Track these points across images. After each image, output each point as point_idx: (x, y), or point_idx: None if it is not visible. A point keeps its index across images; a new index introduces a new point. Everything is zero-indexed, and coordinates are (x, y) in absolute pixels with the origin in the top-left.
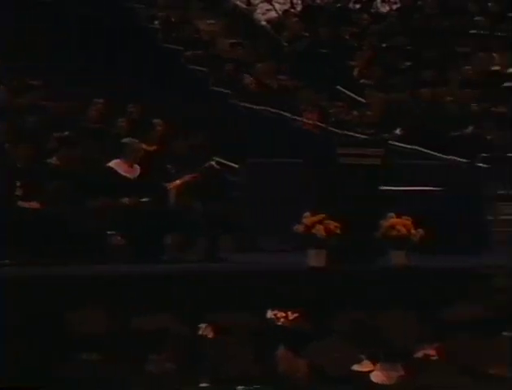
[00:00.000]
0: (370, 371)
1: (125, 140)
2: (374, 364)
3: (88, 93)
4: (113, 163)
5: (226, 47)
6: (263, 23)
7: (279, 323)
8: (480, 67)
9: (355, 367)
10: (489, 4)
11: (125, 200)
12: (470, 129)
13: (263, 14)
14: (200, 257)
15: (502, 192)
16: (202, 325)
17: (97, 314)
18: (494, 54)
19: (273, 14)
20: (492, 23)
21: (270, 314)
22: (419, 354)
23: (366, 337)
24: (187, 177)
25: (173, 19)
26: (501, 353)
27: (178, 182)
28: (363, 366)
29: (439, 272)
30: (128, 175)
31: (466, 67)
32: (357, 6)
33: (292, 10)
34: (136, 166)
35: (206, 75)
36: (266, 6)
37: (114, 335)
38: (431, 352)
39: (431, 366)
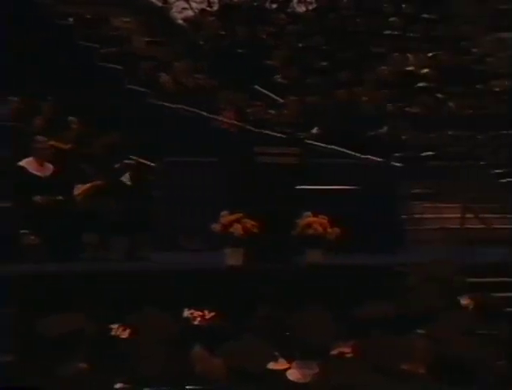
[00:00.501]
0: (285, 369)
1: (35, 138)
2: (289, 362)
3: (2, 91)
4: (24, 162)
5: (142, 45)
6: (180, 21)
7: (196, 323)
8: (395, 68)
9: (271, 365)
10: (403, 5)
11: (37, 198)
12: (385, 129)
13: (180, 12)
14: (118, 256)
15: (416, 191)
16: (116, 325)
17: (8, 314)
18: (408, 55)
19: (190, 12)
20: (406, 23)
21: (186, 313)
22: (335, 352)
23: (282, 335)
24: (95, 183)
25: (88, 16)
26: (413, 350)
27: (86, 186)
28: (279, 365)
29: (354, 270)
30: (38, 173)
31: (382, 68)
32: (274, 5)
33: (209, 9)
34: (48, 165)
35: (122, 74)
36: (182, 4)
37: (24, 335)
38: (347, 350)
39: (346, 363)
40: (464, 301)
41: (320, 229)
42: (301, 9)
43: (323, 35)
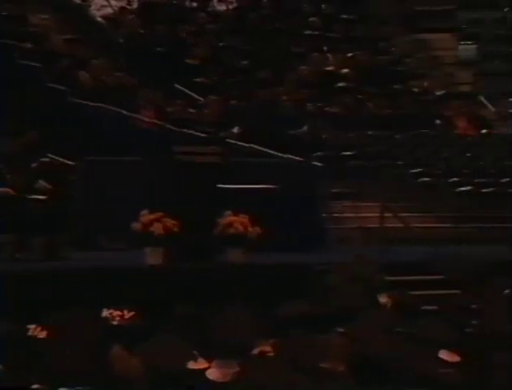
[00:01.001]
0: (205, 369)
1: None
2: (209, 361)
3: None
4: None
5: (60, 43)
6: (99, 19)
7: (115, 322)
8: (315, 68)
9: (190, 365)
10: (323, 5)
11: None
12: (305, 128)
13: (98, 10)
14: (37, 255)
15: (336, 190)
16: (33, 325)
17: None
18: (328, 55)
19: (109, 10)
20: (326, 24)
21: (105, 312)
22: (255, 351)
23: (202, 335)
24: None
25: (5, 13)
26: (333, 348)
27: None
28: (198, 364)
29: (275, 270)
30: None
31: (302, 68)
32: (194, 4)
33: (129, 7)
34: None
35: (41, 71)
36: (101, 1)
37: None
38: (267, 348)
39: (266, 362)
40: (382, 299)
41: (241, 228)
42: (222, 8)
43: (243, 34)
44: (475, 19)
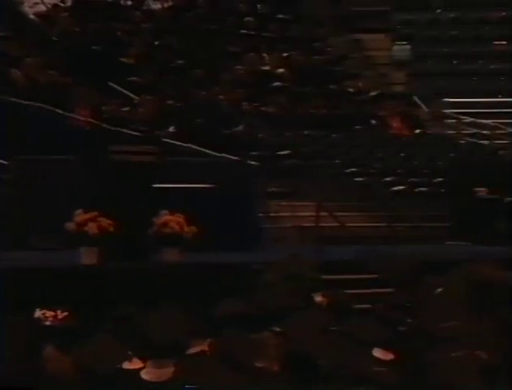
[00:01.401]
0: (140, 369)
1: None
2: (144, 361)
3: None
4: None
5: None
6: (32, 16)
7: (48, 323)
8: (251, 67)
9: (124, 365)
10: (258, 5)
11: None
12: (241, 128)
13: (31, 7)
14: None
15: (272, 189)
16: None
17: None
18: (264, 55)
19: (42, 7)
20: (262, 24)
21: (38, 313)
22: (191, 350)
23: (136, 334)
24: None
25: None
26: (267, 348)
27: None
28: (133, 364)
29: (211, 268)
30: None
31: (238, 67)
32: (129, 2)
33: (62, 5)
34: None
35: None
36: None
37: None
38: (203, 348)
39: (202, 362)
40: (318, 298)
41: (177, 228)
42: (157, 7)
43: (178, 33)
44: (408, 20)
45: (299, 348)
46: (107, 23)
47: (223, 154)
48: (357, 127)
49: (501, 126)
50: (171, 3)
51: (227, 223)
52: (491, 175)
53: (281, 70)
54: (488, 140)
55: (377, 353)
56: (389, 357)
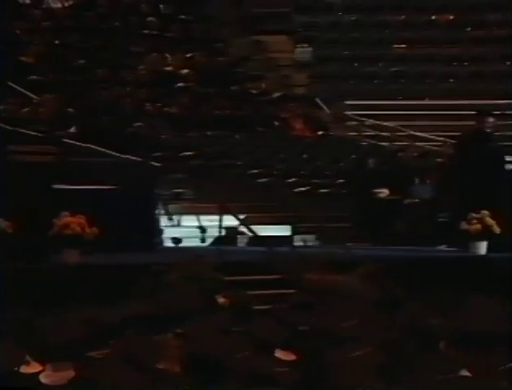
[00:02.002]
0: (39, 372)
1: None
2: (43, 365)
3: None
4: None
5: None
6: None
7: None
8: (153, 68)
9: (22, 369)
10: (161, 6)
11: None
12: (144, 128)
13: None
14: None
15: (176, 190)
16: None
17: None
18: (167, 55)
19: None
20: (164, 24)
21: None
22: (92, 353)
23: (34, 337)
24: None
25: None
26: (170, 349)
27: None
28: (31, 367)
29: (113, 270)
30: None
31: (140, 67)
32: (28, 1)
33: None
34: None
35: None
36: None
37: None
38: (105, 350)
39: (104, 363)
40: (220, 299)
41: (78, 229)
42: (57, 5)
43: (79, 33)
44: (310, 22)
45: (201, 350)
46: (6, 21)
47: (126, 155)
48: (260, 128)
49: (401, 128)
50: (71, 2)
51: (130, 224)
52: (390, 177)
53: (184, 70)
54: (388, 141)
55: (279, 353)
56: (291, 357)
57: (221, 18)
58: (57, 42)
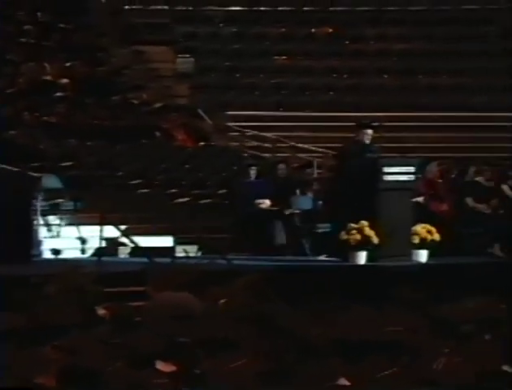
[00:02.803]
0: None
1: None
2: None
3: None
4: None
5: None
6: None
7: None
8: (31, 77)
9: None
10: (39, 14)
11: None
12: (22, 138)
13: None
14: None
15: (56, 200)
16: None
17: None
18: (45, 64)
19: None
20: (43, 32)
21: None
22: None
23: None
24: None
25: None
26: (47, 362)
27: None
28: None
29: None
30: None
31: (18, 76)
32: None
33: None
34: None
35: None
36: None
37: None
38: None
39: None
40: (100, 311)
41: None
42: None
43: None
44: (191, 32)
45: (80, 362)
46: None
47: (3, 165)
48: (141, 138)
49: (282, 139)
50: None
51: (7, 235)
52: (271, 187)
53: (64, 80)
54: (269, 152)
55: (159, 365)
56: (171, 368)
57: (101, 27)
58: None
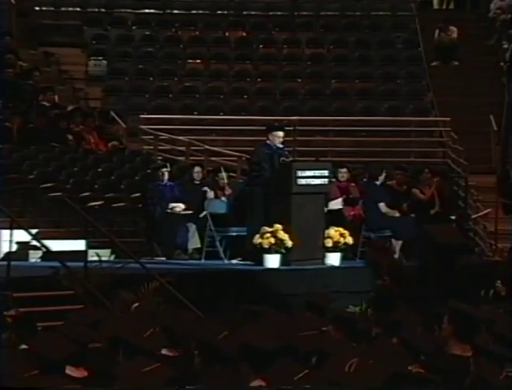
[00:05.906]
0: None
1: None
2: None
3: None
4: None
5: None
6: None
7: None
8: None
9: None
10: None
11: None
12: None
13: None
14: None
15: None
16: None
17: None
18: None
19: None
20: None
21: None
22: None
23: None
24: None
25: None
26: None
27: None
28: None
29: None
30: None
31: None
32: None
33: None
34: None
35: None
36: None
37: None
38: None
39: None
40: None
41: None
42: None
43: None
44: (102, 35)
45: None
46: None
47: None
48: (52, 141)
49: (196, 142)
50: None
51: None
52: (185, 191)
53: None
54: (183, 156)
55: (69, 370)
56: (82, 374)
57: (9, 29)
58: None
